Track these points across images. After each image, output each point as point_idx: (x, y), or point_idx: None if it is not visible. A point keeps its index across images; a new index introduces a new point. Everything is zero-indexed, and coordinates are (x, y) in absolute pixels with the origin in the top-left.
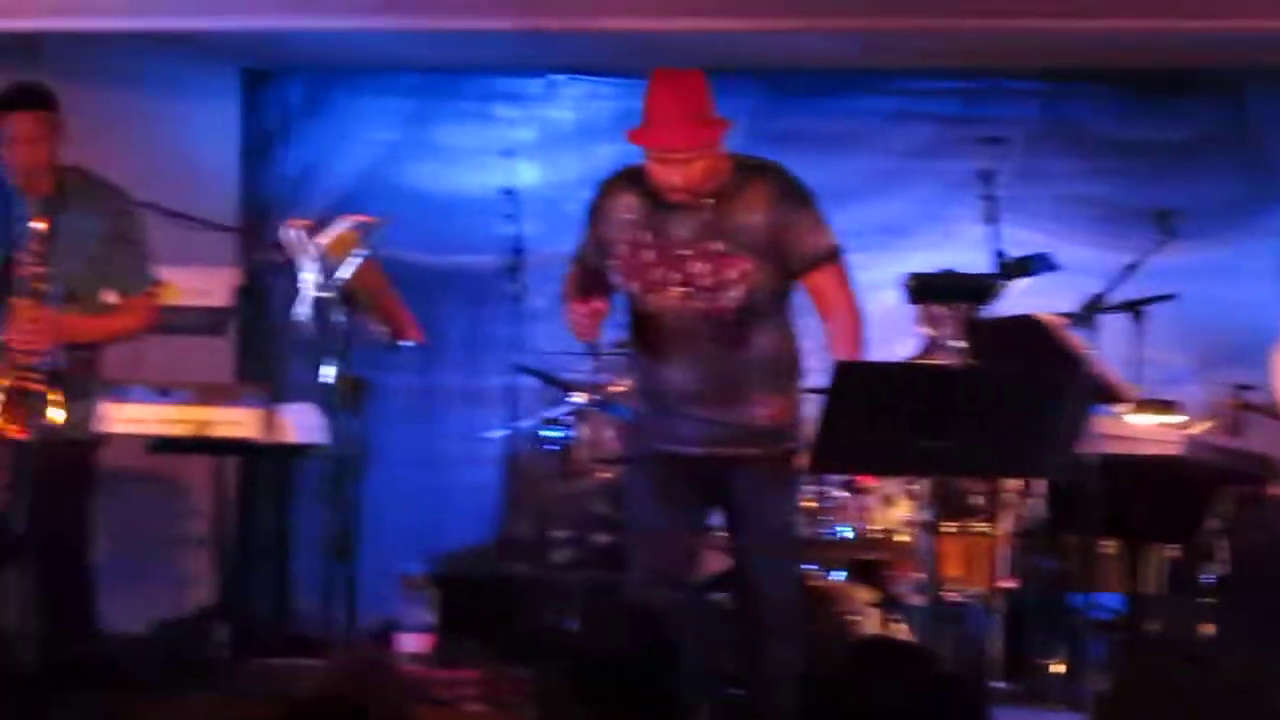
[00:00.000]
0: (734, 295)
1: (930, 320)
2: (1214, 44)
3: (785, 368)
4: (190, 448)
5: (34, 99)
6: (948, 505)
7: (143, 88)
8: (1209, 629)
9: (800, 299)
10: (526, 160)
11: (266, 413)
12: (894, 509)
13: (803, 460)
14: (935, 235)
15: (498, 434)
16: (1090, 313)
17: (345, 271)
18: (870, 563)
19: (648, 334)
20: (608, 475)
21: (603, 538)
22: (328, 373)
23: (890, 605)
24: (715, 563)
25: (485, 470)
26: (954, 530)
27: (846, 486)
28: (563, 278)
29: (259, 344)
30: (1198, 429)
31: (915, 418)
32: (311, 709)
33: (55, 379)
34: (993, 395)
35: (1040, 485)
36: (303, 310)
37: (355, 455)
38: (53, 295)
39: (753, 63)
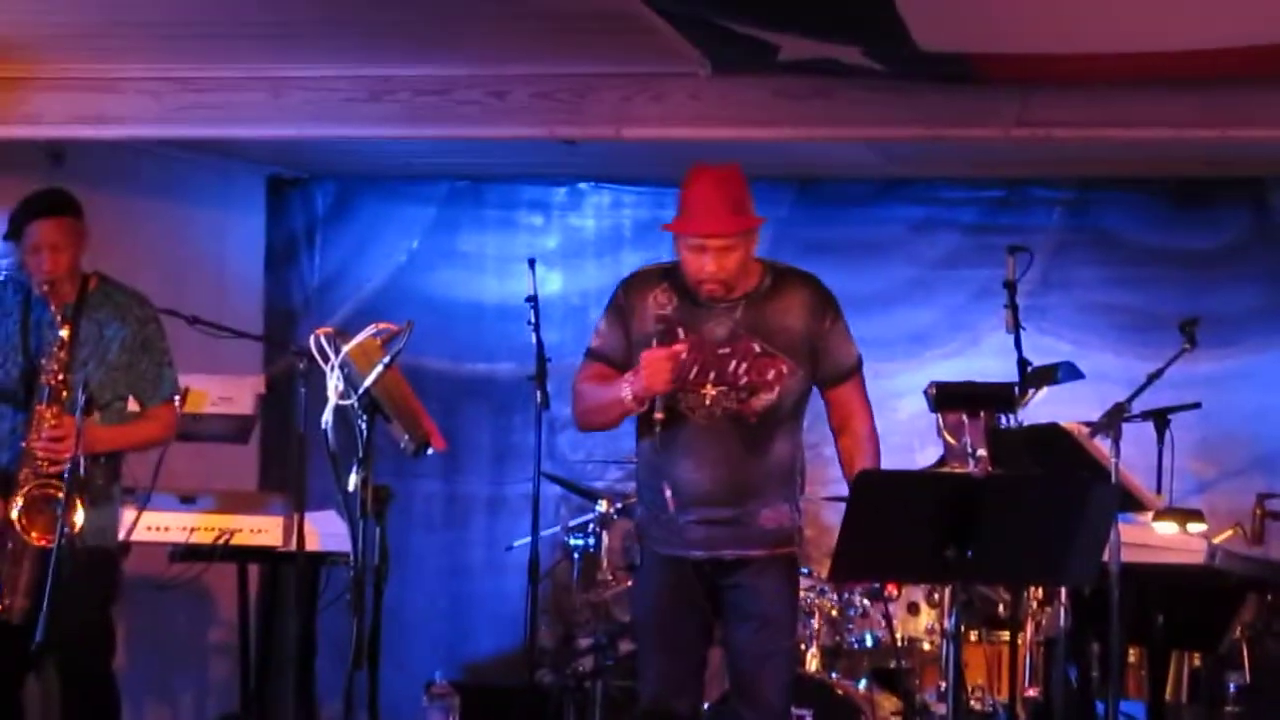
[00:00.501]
0: (767, 397)
1: (953, 428)
2: (1239, 153)
3: (795, 476)
4: (214, 556)
5: (59, 206)
6: (971, 613)
7: (167, 194)
8: None
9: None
10: (550, 268)
11: (290, 520)
12: (918, 617)
13: (821, 568)
14: (960, 343)
15: (522, 542)
16: (1114, 421)
17: (369, 379)
18: (894, 671)
19: (669, 435)
20: (630, 583)
21: (627, 645)
22: (351, 481)
23: (914, 714)
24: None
25: (509, 578)
26: (978, 638)
27: (870, 594)
28: (577, 374)
29: (283, 451)
30: (1221, 537)
31: (938, 526)
32: None
33: (77, 486)
34: (1016, 503)
35: (1063, 594)
36: (327, 418)
37: (379, 563)
38: (75, 402)
39: (781, 171)
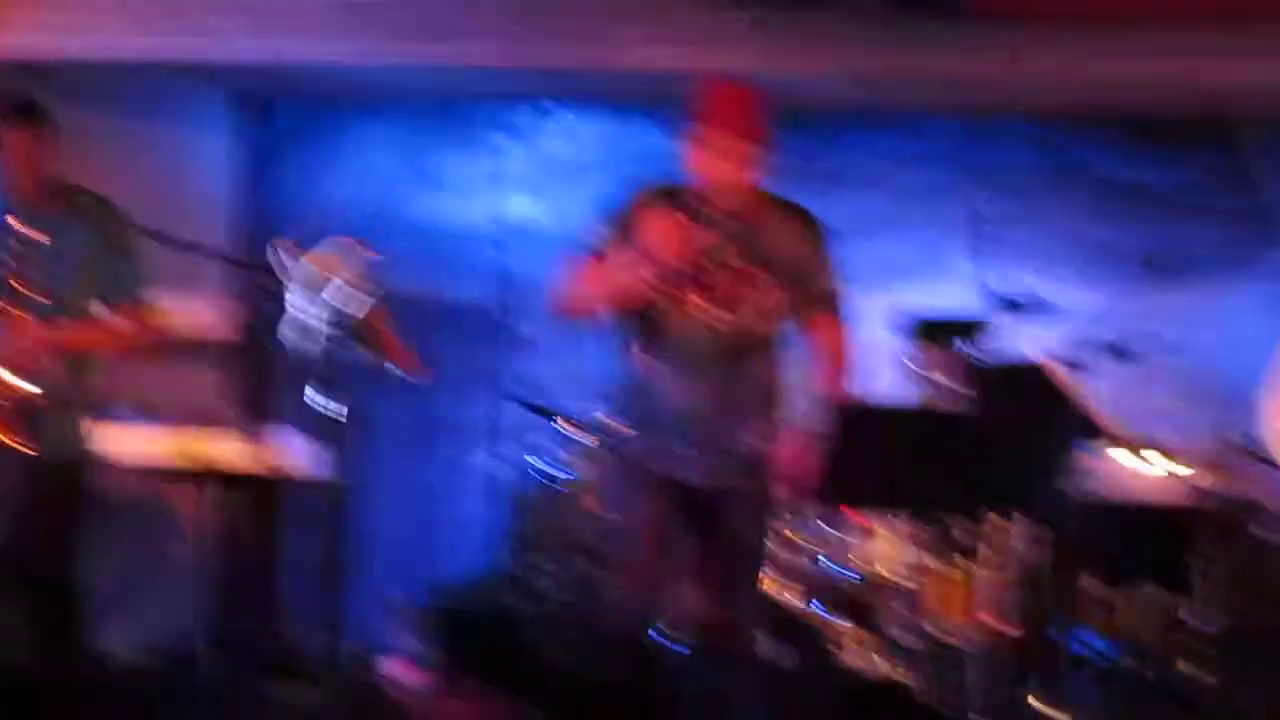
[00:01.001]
0: (747, 312)
1: (922, 359)
2: (1211, 90)
3: (775, 398)
4: (178, 474)
5: (28, 114)
6: (940, 546)
7: (134, 112)
8: (1200, 673)
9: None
10: (521, 192)
11: (256, 441)
12: (887, 549)
13: (790, 495)
14: (930, 275)
15: (486, 465)
16: (1080, 355)
17: (334, 298)
18: (862, 602)
19: (652, 349)
20: (597, 506)
21: (592, 570)
22: (318, 401)
23: (878, 644)
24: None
25: (476, 501)
26: (946, 571)
27: (837, 522)
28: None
29: (248, 371)
30: (1189, 473)
31: (908, 457)
32: None
33: (47, 393)
34: (984, 435)
35: (1033, 528)
36: (292, 336)
37: (344, 484)
38: (44, 306)
39: None
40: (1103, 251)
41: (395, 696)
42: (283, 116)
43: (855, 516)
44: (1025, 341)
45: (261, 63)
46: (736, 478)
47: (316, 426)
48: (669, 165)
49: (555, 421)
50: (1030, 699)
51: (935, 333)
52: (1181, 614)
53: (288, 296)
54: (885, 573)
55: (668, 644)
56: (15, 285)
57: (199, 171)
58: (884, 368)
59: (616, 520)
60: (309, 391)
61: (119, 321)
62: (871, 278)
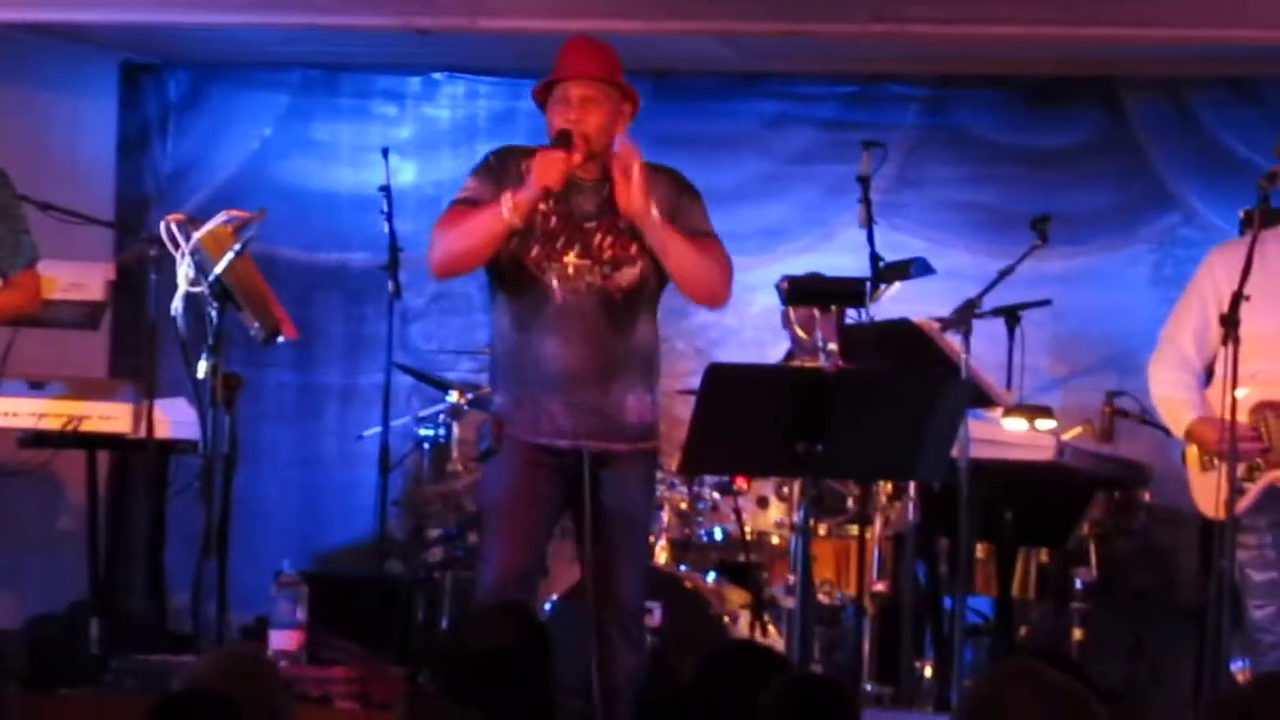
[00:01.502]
0: (629, 274)
1: (804, 323)
2: (1094, 53)
3: (654, 362)
4: (63, 442)
5: None
6: (821, 508)
7: (17, 78)
8: (1078, 634)
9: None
10: (404, 158)
11: (140, 408)
12: (767, 511)
13: (670, 460)
14: (814, 238)
15: (372, 432)
16: (965, 317)
17: (220, 267)
18: (743, 565)
19: (530, 312)
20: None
21: (476, 537)
22: (201, 369)
23: (762, 607)
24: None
25: (361, 469)
26: (827, 533)
27: (720, 488)
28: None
29: (133, 339)
30: (1070, 435)
31: (789, 420)
32: (183, 704)
33: None
34: (866, 399)
35: (913, 489)
36: (178, 305)
37: (229, 452)
38: None
39: (634, 65)
40: (989, 214)
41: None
42: (171, 85)
43: (738, 480)
44: (910, 305)
45: (150, 25)
46: (617, 442)
47: (204, 395)
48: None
49: (439, 387)
50: (915, 662)
51: (816, 295)
52: (1069, 576)
53: (178, 268)
54: (770, 536)
55: (549, 609)
56: None
57: (86, 140)
58: (766, 332)
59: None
60: (196, 360)
61: (4, 289)
62: (754, 241)
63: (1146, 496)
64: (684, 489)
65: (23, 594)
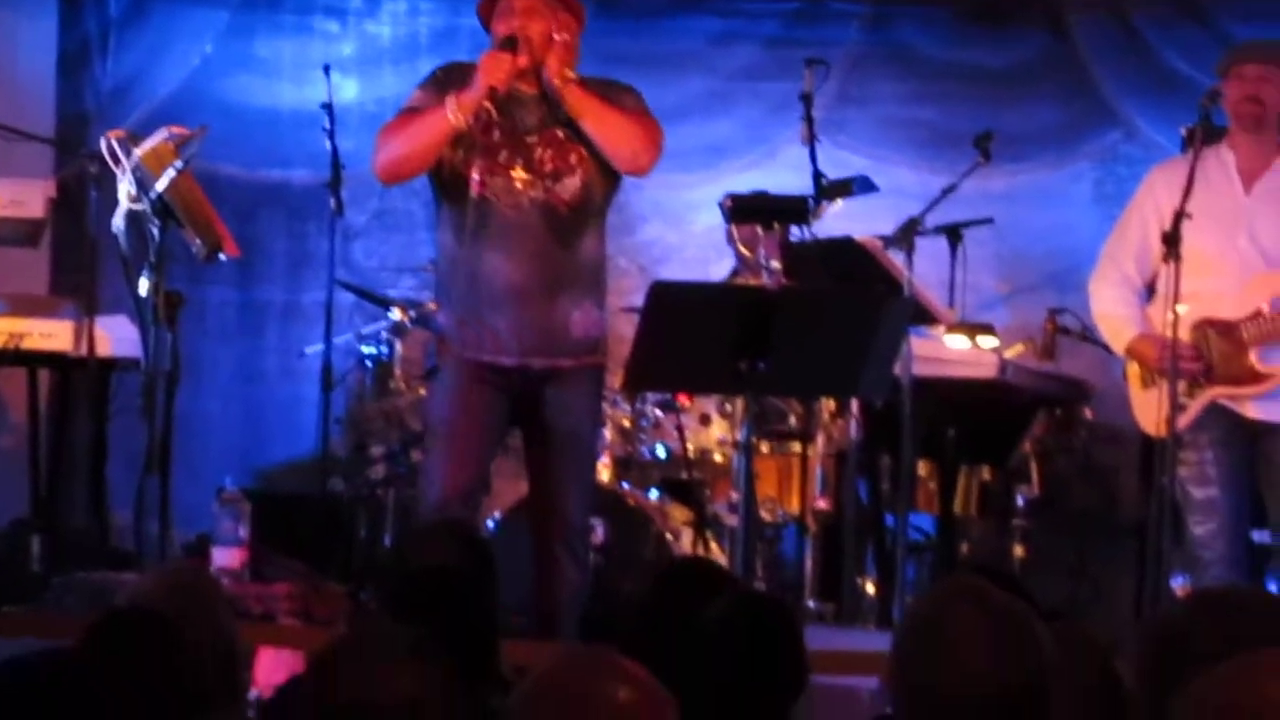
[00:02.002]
0: (571, 185)
1: (747, 241)
2: None
3: (601, 277)
4: (3, 360)
5: None
6: (763, 426)
7: None
8: (1020, 551)
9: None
10: (346, 74)
11: (81, 325)
12: (709, 428)
13: (613, 378)
14: (757, 156)
15: (315, 349)
16: (907, 235)
17: (161, 184)
18: (685, 482)
19: (474, 227)
20: (424, 392)
21: (419, 454)
22: (143, 286)
23: (705, 525)
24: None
25: (303, 386)
26: (769, 450)
27: (663, 406)
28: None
29: (74, 256)
30: (1012, 352)
31: (732, 338)
32: (124, 622)
33: None
34: (809, 317)
35: (855, 407)
36: (118, 222)
37: (170, 369)
38: None
39: None
40: (932, 132)
41: (223, 583)
42: (111, 2)
43: (680, 398)
44: (854, 222)
45: None
46: (562, 357)
47: (146, 313)
48: None
49: (382, 304)
50: (858, 579)
51: (758, 213)
52: (1011, 494)
53: (118, 184)
54: (713, 454)
55: (493, 527)
56: None
57: (25, 57)
58: (710, 249)
59: (441, 404)
60: (138, 278)
61: None
62: (697, 158)
63: (1088, 414)
64: (626, 406)
65: None
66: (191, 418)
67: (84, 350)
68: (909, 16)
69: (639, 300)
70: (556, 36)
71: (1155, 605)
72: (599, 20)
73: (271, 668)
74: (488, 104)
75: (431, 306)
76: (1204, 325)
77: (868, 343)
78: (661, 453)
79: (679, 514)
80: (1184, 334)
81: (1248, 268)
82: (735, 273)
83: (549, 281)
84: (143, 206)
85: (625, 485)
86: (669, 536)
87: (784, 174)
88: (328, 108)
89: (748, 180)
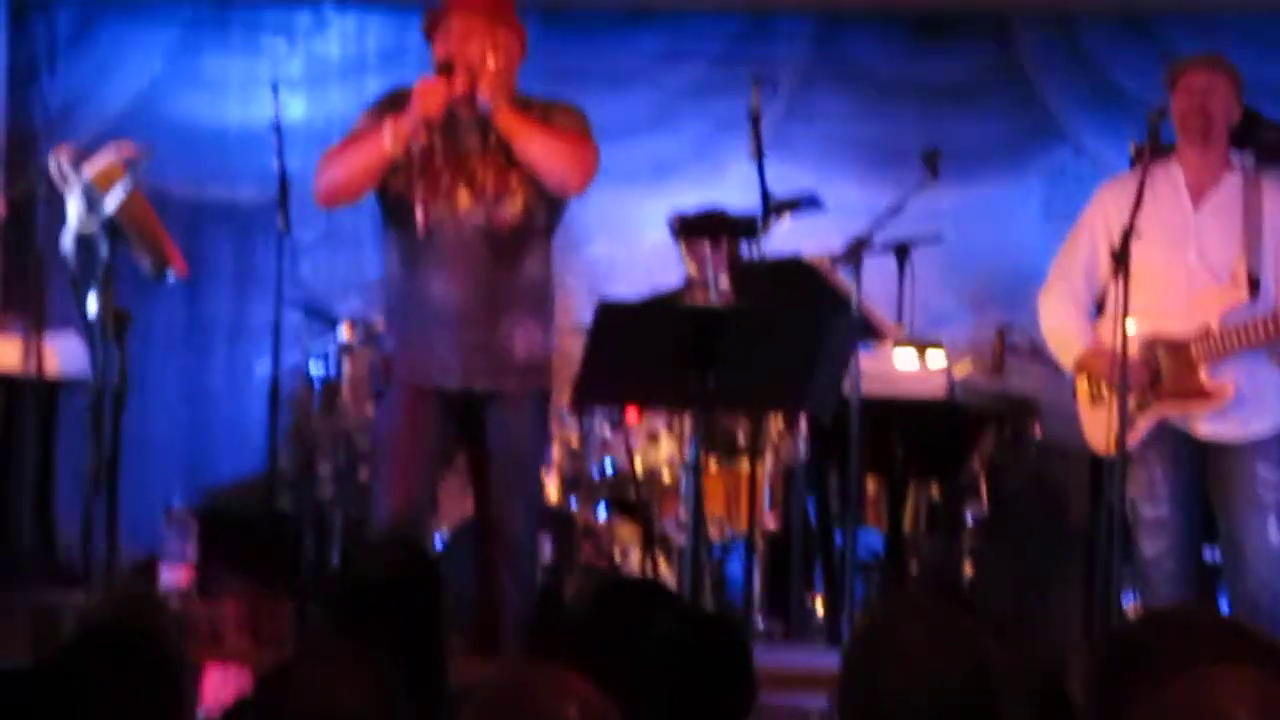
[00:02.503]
0: (512, 206)
1: (695, 257)
2: None
3: (546, 297)
4: None
5: None
6: (711, 443)
7: None
8: (969, 568)
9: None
10: (294, 93)
11: (28, 343)
12: (658, 446)
13: (562, 396)
14: (705, 173)
15: (263, 368)
16: (856, 252)
17: (110, 202)
18: (633, 500)
19: (417, 250)
20: (371, 411)
21: (367, 473)
22: (91, 303)
23: (653, 543)
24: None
25: (251, 404)
26: (717, 468)
27: (612, 424)
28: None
29: (22, 273)
30: (960, 369)
31: (678, 355)
32: (74, 642)
33: None
34: (756, 333)
35: (803, 424)
36: (67, 240)
37: (117, 387)
38: None
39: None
40: (879, 148)
41: (171, 601)
42: (60, 20)
43: (628, 416)
44: (801, 239)
45: None
46: (506, 380)
47: (93, 330)
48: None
49: (329, 323)
50: (806, 596)
51: (705, 229)
52: (960, 511)
53: (66, 202)
54: (661, 472)
55: (440, 544)
56: None
57: None
58: (657, 266)
59: (387, 426)
60: (85, 295)
61: None
62: (645, 175)
63: (1037, 431)
64: (575, 424)
65: None
66: (139, 436)
67: (32, 368)
68: (854, 33)
69: (587, 318)
70: (490, 60)
71: (1105, 623)
72: (546, 37)
73: (219, 686)
74: (426, 130)
75: (379, 326)
76: (1153, 343)
77: (816, 359)
78: (610, 470)
79: (627, 532)
80: (1133, 350)
81: (1197, 283)
82: (684, 289)
83: (491, 303)
84: (93, 229)
85: (573, 503)
86: (617, 555)
87: (731, 191)
88: (276, 126)
89: (695, 197)
